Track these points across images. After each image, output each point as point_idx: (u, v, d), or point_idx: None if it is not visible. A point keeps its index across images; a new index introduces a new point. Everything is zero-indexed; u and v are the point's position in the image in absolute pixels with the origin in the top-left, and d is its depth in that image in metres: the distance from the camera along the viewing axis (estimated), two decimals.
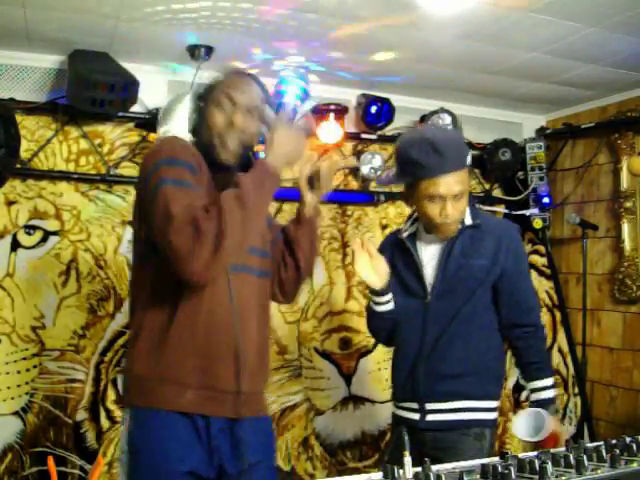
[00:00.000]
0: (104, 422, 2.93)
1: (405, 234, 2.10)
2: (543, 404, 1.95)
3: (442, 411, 1.98)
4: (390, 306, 2.06)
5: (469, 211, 2.04)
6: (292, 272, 1.84)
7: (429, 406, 1.99)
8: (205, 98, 1.71)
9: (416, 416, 2.01)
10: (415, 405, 2.02)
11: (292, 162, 1.68)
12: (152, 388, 1.55)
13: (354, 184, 3.64)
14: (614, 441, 1.50)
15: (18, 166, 2.86)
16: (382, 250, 2.13)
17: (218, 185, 1.60)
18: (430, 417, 1.99)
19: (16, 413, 2.80)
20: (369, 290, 2.06)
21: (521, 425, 1.89)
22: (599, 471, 1.32)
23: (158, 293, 1.57)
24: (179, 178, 1.51)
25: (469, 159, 1.99)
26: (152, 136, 3.07)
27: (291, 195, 3.44)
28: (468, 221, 2.02)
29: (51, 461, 1.21)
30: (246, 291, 1.64)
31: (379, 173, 3.52)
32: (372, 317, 2.13)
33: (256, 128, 1.69)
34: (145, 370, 1.55)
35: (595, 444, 1.51)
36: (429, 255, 2.05)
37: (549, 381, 2.01)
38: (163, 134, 2.89)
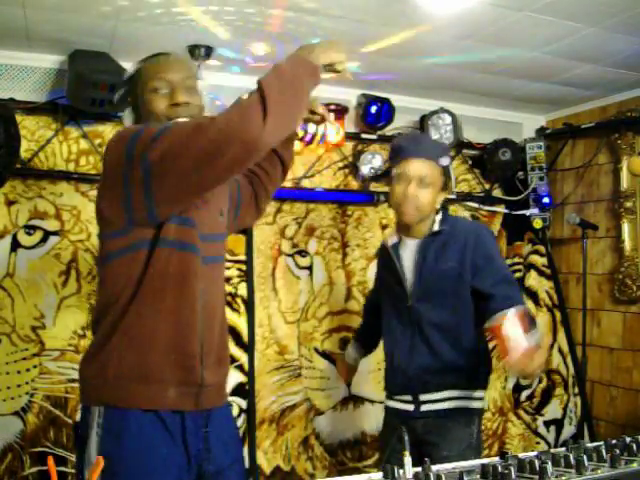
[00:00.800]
0: None
1: (390, 242, 2.28)
2: None
3: (434, 401, 2.13)
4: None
5: (439, 218, 2.19)
6: (275, 180, 1.87)
7: (422, 397, 2.15)
8: (134, 90, 1.63)
9: (410, 407, 2.17)
10: (409, 397, 2.18)
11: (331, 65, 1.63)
12: (134, 388, 1.49)
13: (354, 184, 3.64)
14: (614, 441, 1.51)
15: (18, 166, 2.86)
16: (379, 254, 2.45)
17: None
18: (424, 407, 2.15)
19: (16, 413, 2.80)
20: None
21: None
22: (599, 471, 1.32)
23: (134, 292, 1.51)
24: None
25: (444, 161, 2.17)
26: None
27: (291, 195, 3.47)
28: (436, 227, 2.18)
29: (51, 461, 1.21)
30: (213, 283, 1.63)
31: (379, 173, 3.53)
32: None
33: (200, 99, 1.64)
34: (124, 369, 1.49)
35: (595, 444, 1.51)
36: (408, 260, 2.21)
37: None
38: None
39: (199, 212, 1.58)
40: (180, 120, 1.54)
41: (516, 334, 1.87)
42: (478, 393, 2.16)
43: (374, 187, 3.62)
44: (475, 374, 2.17)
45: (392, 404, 2.26)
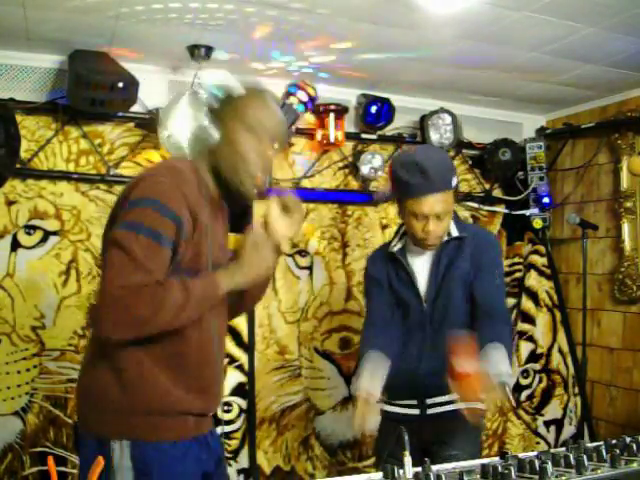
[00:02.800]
0: None
1: (395, 248, 2.24)
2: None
3: (441, 404, 2.12)
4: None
5: (454, 224, 2.17)
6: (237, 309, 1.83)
7: (429, 401, 2.14)
8: (226, 113, 1.54)
9: (416, 411, 2.15)
10: (414, 402, 2.16)
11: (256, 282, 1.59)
12: (161, 421, 1.51)
13: (354, 184, 3.64)
14: (614, 441, 1.51)
15: (18, 166, 2.86)
16: (373, 265, 2.29)
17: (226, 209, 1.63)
18: (430, 410, 2.14)
19: (16, 413, 2.80)
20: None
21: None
22: (599, 471, 1.32)
23: None
24: (154, 228, 1.41)
25: (455, 181, 2.11)
26: (154, 138, 3.06)
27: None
28: (454, 233, 2.16)
29: (51, 461, 1.21)
30: (220, 318, 1.66)
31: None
32: None
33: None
34: (151, 404, 1.50)
35: (595, 444, 1.51)
36: (419, 266, 2.19)
37: (504, 358, 1.95)
38: (167, 139, 2.87)
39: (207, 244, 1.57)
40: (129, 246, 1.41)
41: (492, 391, 1.84)
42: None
43: (374, 187, 3.62)
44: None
45: (392, 409, 2.21)
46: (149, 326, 1.43)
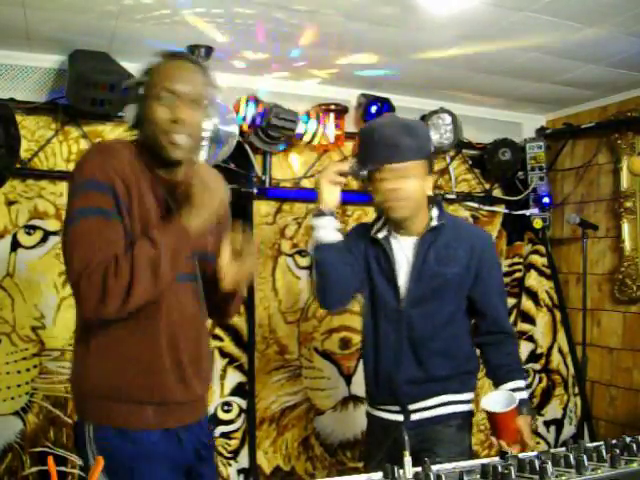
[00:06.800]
0: None
1: (380, 234, 2.06)
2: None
3: (424, 409, 2.01)
4: (340, 236, 1.99)
5: (436, 214, 2.02)
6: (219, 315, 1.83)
7: (411, 407, 2.01)
8: (143, 88, 1.58)
9: (400, 417, 2.03)
10: (396, 407, 2.03)
11: (216, 216, 1.57)
12: (112, 406, 1.53)
13: (354, 184, 3.63)
14: (614, 441, 1.51)
15: (18, 166, 2.86)
16: (351, 237, 2.11)
17: (163, 180, 1.60)
18: (414, 416, 2.01)
19: (16, 413, 2.80)
20: (316, 214, 1.98)
21: (489, 400, 1.89)
22: (599, 471, 1.32)
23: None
24: (97, 207, 1.46)
25: (428, 150, 2.00)
26: None
27: (291, 195, 3.46)
28: (434, 222, 2.01)
29: (51, 461, 1.21)
30: (184, 300, 1.62)
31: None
32: (324, 257, 1.98)
33: (203, 118, 1.60)
34: (102, 389, 1.53)
35: (595, 444, 1.51)
36: (402, 260, 2.03)
37: (521, 383, 2.02)
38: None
39: None
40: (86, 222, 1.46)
41: (527, 429, 1.90)
42: (467, 396, 2.06)
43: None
44: (464, 378, 2.06)
45: (378, 414, 2.10)
46: (133, 295, 1.41)
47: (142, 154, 1.59)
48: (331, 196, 1.97)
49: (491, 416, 1.85)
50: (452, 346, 2.02)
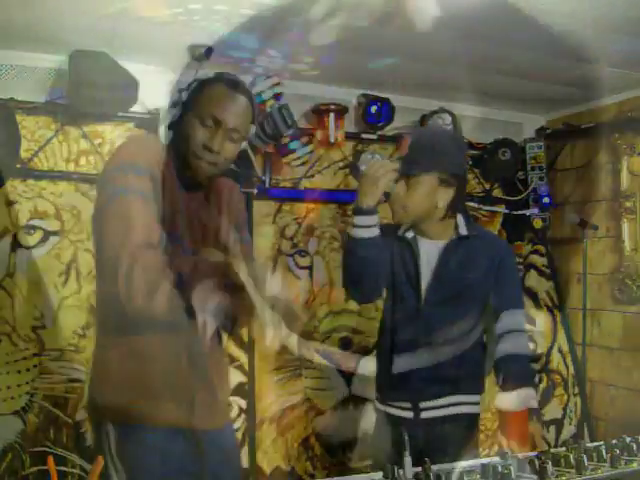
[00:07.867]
0: None
1: (408, 234, 2.10)
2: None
3: (435, 407, 2.06)
4: (376, 231, 1.98)
5: (464, 222, 2.08)
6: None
7: (422, 404, 2.06)
8: (189, 99, 1.61)
9: (410, 414, 2.08)
10: (407, 404, 2.09)
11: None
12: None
13: (354, 184, 3.63)
14: (614, 441, 1.51)
15: (18, 166, 2.86)
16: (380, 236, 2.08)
17: (184, 181, 1.63)
18: (424, 414, 2.06)
19: (16, 413, 2.80)
20: (357, 209, 1.99)
21: (503, 400, 1.93)
22: (599, 471, 1.32)
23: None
24: (138, 187, 1.49)
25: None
26: None
27: (291, 195, 3.46)
28: (463, 231, 2.07)
29: (51, 461, 1.21)
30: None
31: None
32: (360, 251, 1.98)
33: (235, 151, 1.63)
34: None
35: (595, 444, 1.51)
36: (425, 262, 2.08)
37: (532, 392, 2.03)
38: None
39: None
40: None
41: (538, 433, 1.97)
42: (476, 398, 2.11)
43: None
44: (474, 381, 2.12)
45: (387, 410, 2.15)
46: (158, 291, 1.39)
47: (170, 155, 1.63)
48: (375, 193, 1.98)
49: (504, 416, 1.86)
50: (466, 349, 2.06)
